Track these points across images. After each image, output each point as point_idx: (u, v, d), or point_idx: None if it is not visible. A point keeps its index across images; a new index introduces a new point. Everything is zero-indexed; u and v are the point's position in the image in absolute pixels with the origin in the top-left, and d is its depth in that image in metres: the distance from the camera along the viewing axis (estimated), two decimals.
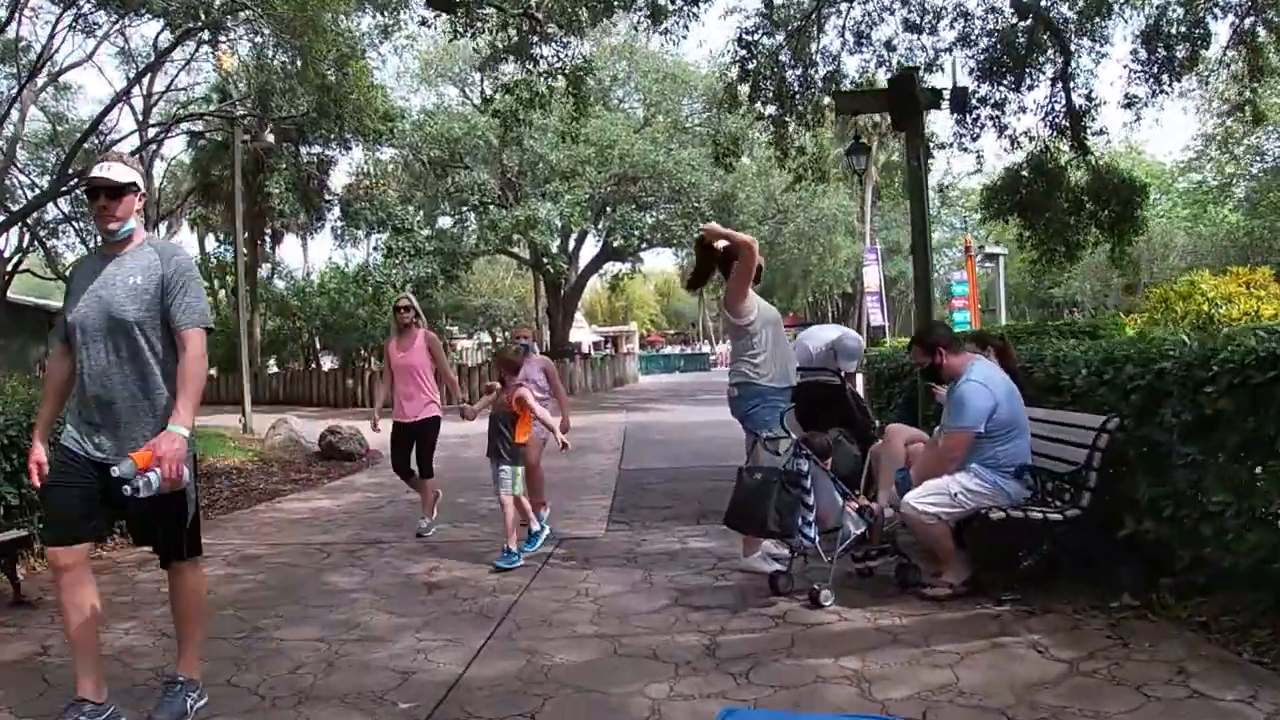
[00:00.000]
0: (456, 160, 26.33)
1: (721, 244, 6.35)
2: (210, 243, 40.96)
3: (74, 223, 35.84)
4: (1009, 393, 5.89)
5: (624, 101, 32.32)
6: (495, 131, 25.76)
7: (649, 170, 25.03)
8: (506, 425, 7.50)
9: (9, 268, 38.20)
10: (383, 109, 25.78)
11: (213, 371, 33.48)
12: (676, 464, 13.54)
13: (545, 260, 30.86)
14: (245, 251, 34.66)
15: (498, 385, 7.74)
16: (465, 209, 32.37)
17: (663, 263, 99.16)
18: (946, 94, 11.95)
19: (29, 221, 37.00)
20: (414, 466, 9.08)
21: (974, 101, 16.70)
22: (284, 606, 6.16)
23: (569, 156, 25.15)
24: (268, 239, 34.00)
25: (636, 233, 26.40)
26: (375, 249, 26.27)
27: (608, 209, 25.87)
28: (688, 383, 40.64)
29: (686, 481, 11.63)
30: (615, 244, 34.09)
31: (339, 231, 27.39)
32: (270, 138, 19.85)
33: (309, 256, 39.71)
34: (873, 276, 46.50)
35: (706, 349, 68.51)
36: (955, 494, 5.70)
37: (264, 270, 35.39)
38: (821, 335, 9.07)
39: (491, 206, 26.26)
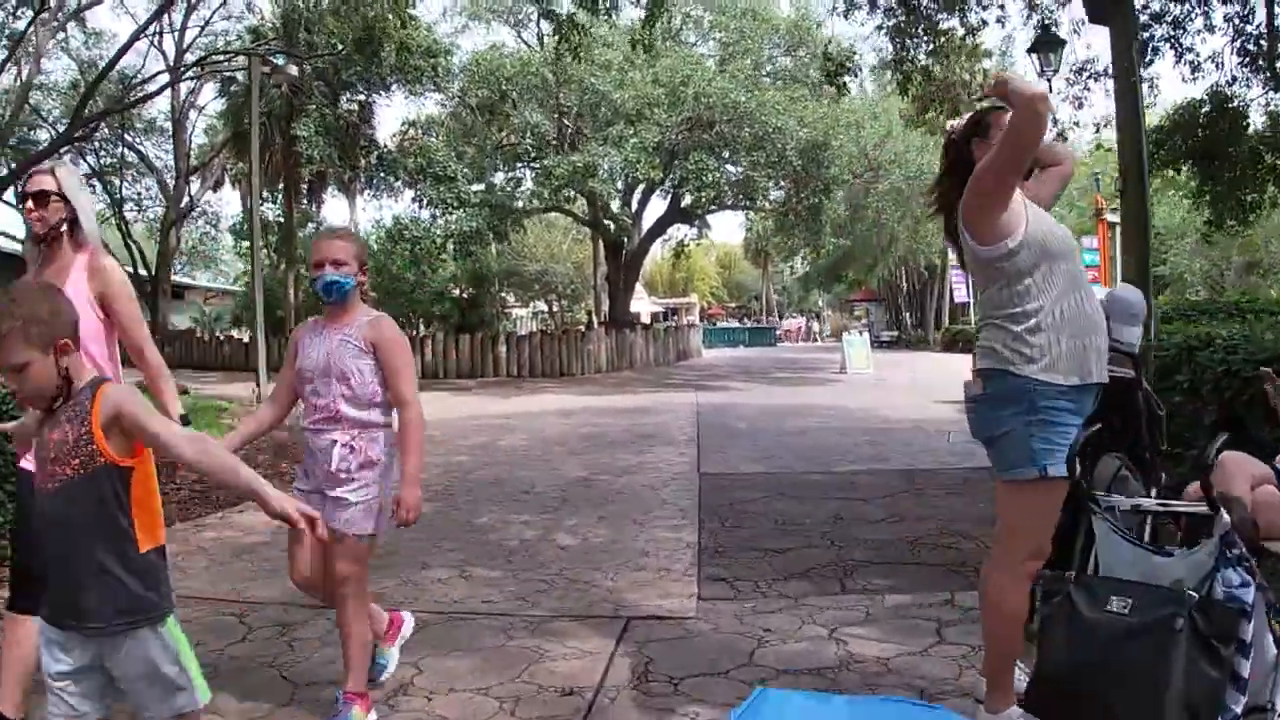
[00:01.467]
0: (507, 102, 23.16)
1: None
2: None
3: (100, 179, 33.37)
4: None
5: (697, 45, 28.85)
6: (551, 67, 22.59)
7: (728, 112, 21.61)
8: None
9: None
10: (425, 44, 22.72)
11: (244, 335, 31.07)
12: (774, 466, 10.30)
13: (605, 219, 27.60)
14: (263, 205, 32.21)
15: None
16: (519, 164, 29.28)
17: (725, 233, 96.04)
18: None
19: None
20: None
21: (1145, 19, 13.19)
22: None
23: (635, 97, 21.81)
24: (304, 192, 31.11)
25: (711, 185, 22.91)
26: (414, 200, 23.24)
27: (678, 159, 22.51)
28: (756, 358, 37.28)
29: (798, 498, 8.37)
30: (683, 203, 30.76)
31: (374, 182, 24.32)
32: (293, 69, 16.89)
33: (355, 215, 36.64)
34: None
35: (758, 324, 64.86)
36: None
37: (308, 231, 32.62)
38: None
39: (547, 153, 22.98)
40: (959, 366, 23.89)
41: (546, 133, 23.01)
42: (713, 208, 31.39)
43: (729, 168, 24.75)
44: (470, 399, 19.81)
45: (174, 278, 43.89)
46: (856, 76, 13.88)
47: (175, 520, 8.06)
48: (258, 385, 17.31)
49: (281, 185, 29.53)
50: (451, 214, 22.50)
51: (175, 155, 32.17)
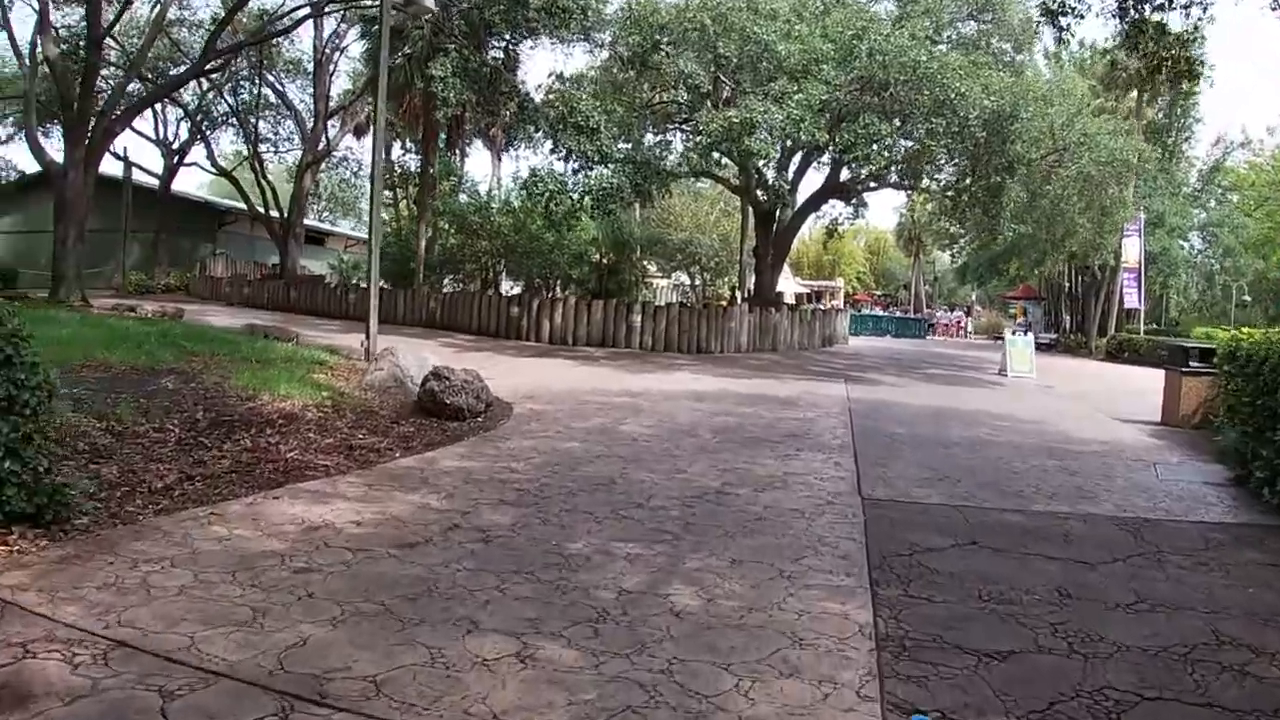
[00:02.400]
0: (660, 51, 21.10)
1: None
2: (396, 151, 37.46)
3: (236, 117, 32.81)
4: None
5: (869, 3, 26.16)
6: (711, 12, 20.42)
7: (905, 72, 18.97)
8: None
9: (175, 160, 35.88)
10: None
11: (384, 284, 30.08)
12: (954, 495, 8.11)
13: (758, 187, 25.28)
14: (405, 154, 31.11)
15: None
16: (669, 126, 27.22)
17: (877, 217, 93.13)
18: None
19: (190, 110, 34.43)
20: None
21: None
22: None
23: (802, 50, 19.39)
24: (443, 141, 29.74)
25: (881, 153, 20.34)
26: (552, 152, 21.45)
27: (846, 122, 20.00)
28: (905, 351, 34.51)
29: (999, 551, 6.21)
30: (842, 176, 28.24)
31: (512, 132, 22.60)
32: (430, 2, 15.29)
33: (500, 170, 35.42)
34: (1133, 250, 38.89)
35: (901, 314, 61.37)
36: None
37: (448, 184, 31.39)
38: None
39: (700, 109, 20.79)
40: (1131, 378, 20.97)
41: (701, 84, 20.84)
42: (873, 185, 28.80)
43: (902, 140, 22.04)
44: (597, 371, 18.00)
45: (317, 224, 43.69)
46: (1082, 18, 11.43)
47: (190, 503, 6.40)
48: (367, 337, 15.80)
49: (421, 133, 28.19)
50: (592, 169, 20.63)
51: (315, 96, 31.34)
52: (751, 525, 6.55)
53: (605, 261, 29.64)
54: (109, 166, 34.15)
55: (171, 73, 28.62)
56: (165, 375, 10.95)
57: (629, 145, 21.84)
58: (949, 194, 25.21)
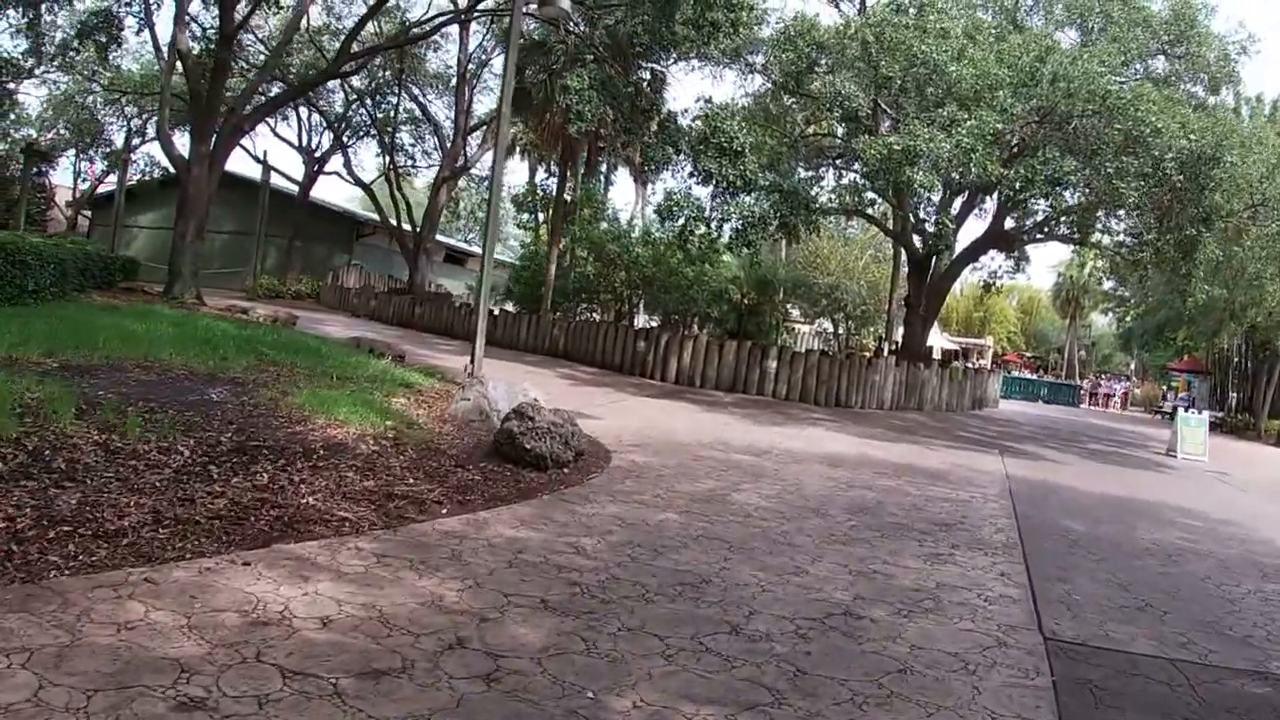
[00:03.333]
0: (815, 74, 19.13)
1: None
2: (540, 175, 36.47)
3: (375, 126, 32.24)
4: None
5: (1049, 30, 23.57)
6: (874, 28, 18.36)
7: (1094, 101, 16.47)
8: None
9: (315, 168, 35.59)
10: None
11: (509, 307, 28.89)
12: (1166, 642, 5.90)
13: (915, 228, 22.90)
14: (550, 177, 29.83)
15: None
16: (822, 161, 25.20)
17: (1031, 274, 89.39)
18: None
19: (331, 120, 34.07)
20: None
21: None
22: None
23: (975, 75, 17.09)
24: (582, 164, 28.36)
25: (1062, 193, 17.64)
26: (692, 175, 19.62)
27: (1024, 156, 17.54)
28: (1059, 419, 31.30)
29: None
30: (1007, 225, 25.68)
31: (652, 153, 20.90)
32: (565, 3, 13.81)
33: (643, 199, 34.06)
34: None
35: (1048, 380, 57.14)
36: None
37: (588, 210, 30.08)
38: None
39: (858, 134, 18.62)
40: None
41: (859, 109, 18.74)
42: (1040, 236, 26.14)
43: (1081, 184, 19.22)
44: (721, 419, 16.05)
45: (457, 243, 43.09)
46: None
47: (133, 559, 4.76)
48: (471, 362, 14.20)
49: (558, 153, 26.88)
50: (734, 197, 18.74)
51: (456, 110, 30.45)
52: (891, 685, 4.48)
53: (746, 301, 27.81)
54: (248, 168, 34.25)
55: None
56: (221, 385, 9.63)
57: (776, 176, 19.86)
58: (1129, 248, 22.30)
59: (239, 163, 29.58)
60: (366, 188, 34.19)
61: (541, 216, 35.02)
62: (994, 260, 29.59)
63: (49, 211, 39.36)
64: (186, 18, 21.24)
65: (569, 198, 30.26)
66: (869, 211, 24.72)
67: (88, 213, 39.55)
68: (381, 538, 5.96)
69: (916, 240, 24.78)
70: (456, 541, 6.09)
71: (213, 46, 20.82)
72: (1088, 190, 17.83)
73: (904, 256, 27.32)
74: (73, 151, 40.16)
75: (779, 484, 10.01)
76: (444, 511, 6.94)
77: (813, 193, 20.60)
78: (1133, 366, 68.85)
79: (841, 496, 9.70)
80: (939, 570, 6.91)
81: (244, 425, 8.14)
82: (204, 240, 21.77)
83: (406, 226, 31.24)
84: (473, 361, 14.36)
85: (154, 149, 36.48)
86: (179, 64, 20.95)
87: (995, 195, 24.97)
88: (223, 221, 35.00)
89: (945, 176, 17.10)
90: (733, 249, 22.42)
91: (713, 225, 19.40)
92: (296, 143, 35.91)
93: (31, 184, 38.01)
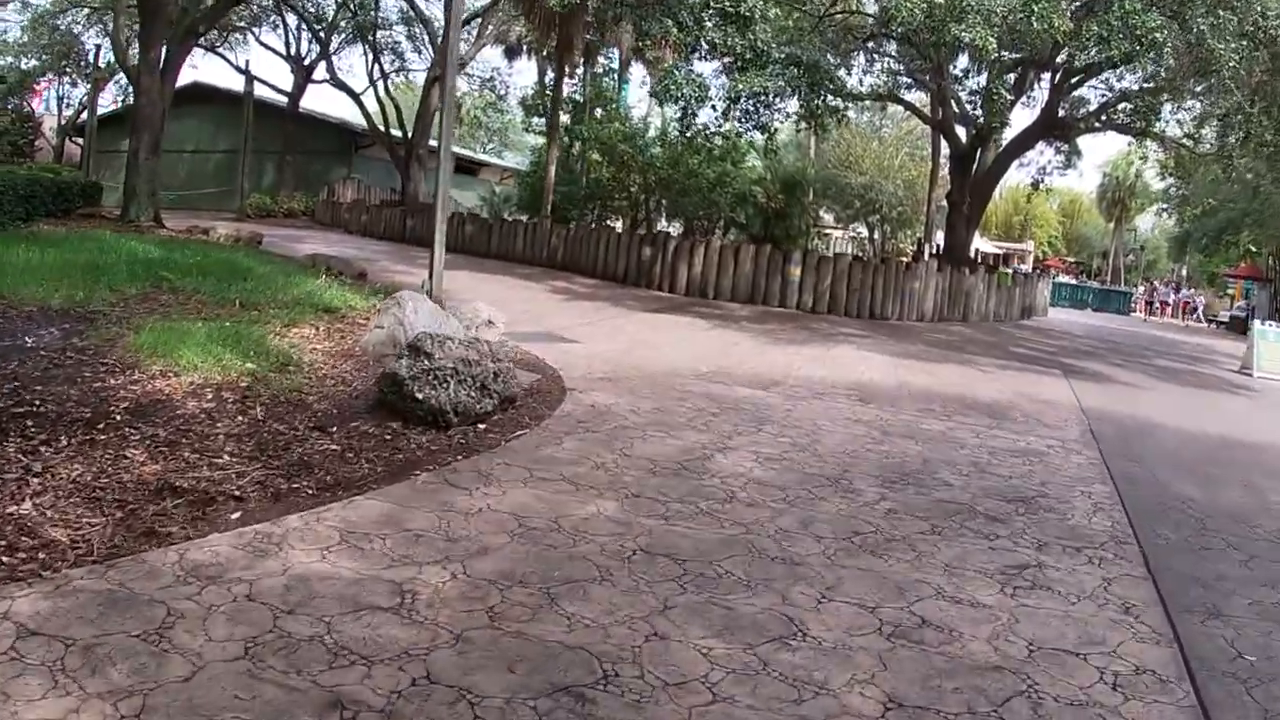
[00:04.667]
0: None
1: None
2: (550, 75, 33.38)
3: (355, 23, 29.26)
4: None
5: None
6: None
7: None
8: None
9: (304, 76, 32.78)
10: None
11: (522, 217, 26.28)
12: None
13: (958, 117, 19.77)
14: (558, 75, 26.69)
15: None
16: (852, 46, 22.05)
17: (1072, 175, 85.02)
18: None
19: (314, 25, 31.18)
20: None
21: None
22: None
23: None
24: (579, 54, 25.25)
25: (1148, 48, 14.12)
26: (692, 51, 16.59)
27: (1096, 12, 14.29)
28: (1113, 329, 28.15)
29: None
30: (1062, 111, 22.49)
31: (643, 29, 17.81)
32: None
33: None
34: None
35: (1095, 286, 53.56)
36: None
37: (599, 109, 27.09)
38: None
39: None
40: None
41: None
42: (1098, 125, 22.96)
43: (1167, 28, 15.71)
44: (729, 337, 13.37)
45: (466, 152, 40.19)
46: None
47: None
48: (430, 278, 11.60)
49: (553, 41, 23.80)
50: (744, 73, 15.79)
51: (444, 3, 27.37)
52: None
53: (772, 204, 24.92)
54: (236, 82, 31.51)
55: None
56: (65, 322, 7.51)
57: (794, 50, 16.79)
58: (1217, 129, 19.02)
59: (227, 77, 26.90)
60: (353, 93, 31.29)
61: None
62: (1042, 155, 26.67)
63: (36, 141, 37.11)
64: None
65: (579, 97, 27.38)
66: (905, 96, 21.55)
67: (80, 140, 37.16)
68: (47, 589, 3.42)
69: (959, 130, 21.68)
70: (176, 600, 3.53)
71: None
72: (1173, 52, 14.52)
73: (944, 152, 24.18)
74: (53, 76, 37.67)
75: (787, 435, 7.40)
76: (234, 516, 4.41)
77: (840, 74, 17.59)
78: (1184, 273, 64.56)
79: (872, 453, 7.08)
80: (1026, 606, 4.31)
81: (33, 380, 5.80)
82: (159, 157, 19.26)
83: (397, 133, 28.42)
84: (431, 277, 11.82)
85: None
86: None
87: (1050, 76, 21.81)
88: (217, 140, 32.85)
89: (999, 35, 13.91)
90: (743, 136, 19.51)
91: (718, 108, 16.51)
92: (285, 51, 33.03)
93: (14, 113, 35.77)
